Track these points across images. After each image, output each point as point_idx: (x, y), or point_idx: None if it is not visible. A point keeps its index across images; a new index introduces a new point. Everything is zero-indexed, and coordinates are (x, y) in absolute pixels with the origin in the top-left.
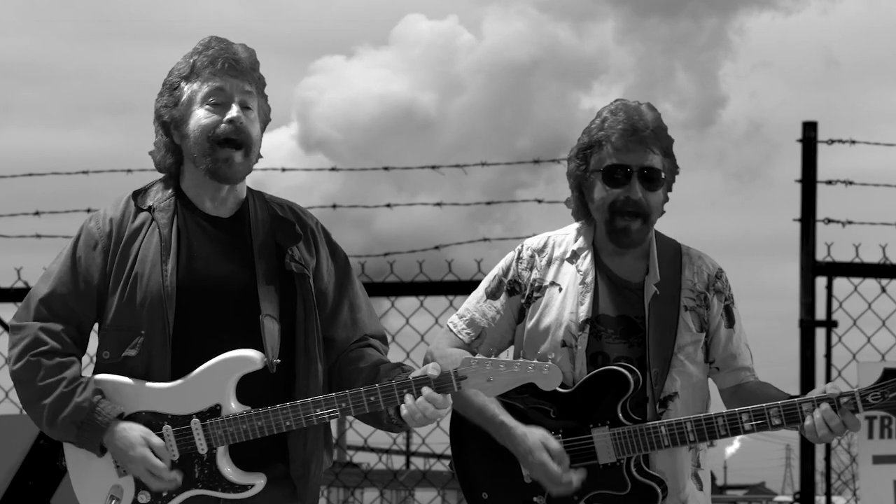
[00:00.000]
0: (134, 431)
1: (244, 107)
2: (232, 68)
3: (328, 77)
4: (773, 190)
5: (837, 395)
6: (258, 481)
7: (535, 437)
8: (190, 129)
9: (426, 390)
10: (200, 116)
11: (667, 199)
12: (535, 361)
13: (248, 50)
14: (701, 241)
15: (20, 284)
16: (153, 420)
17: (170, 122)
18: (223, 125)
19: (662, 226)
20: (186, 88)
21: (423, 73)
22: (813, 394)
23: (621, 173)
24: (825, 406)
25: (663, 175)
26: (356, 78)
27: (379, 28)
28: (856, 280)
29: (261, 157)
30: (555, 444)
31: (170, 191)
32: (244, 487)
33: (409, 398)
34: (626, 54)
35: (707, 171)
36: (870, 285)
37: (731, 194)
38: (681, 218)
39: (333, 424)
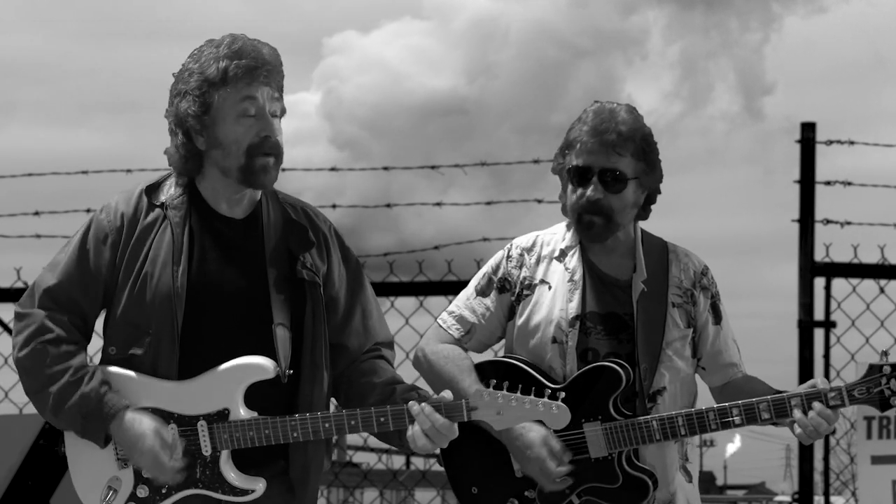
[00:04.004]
0: (144, 424)
1: (274, 115)
2: (266, 76)
3: (346, 59)
4: (776, 189)
5: (826, 391)
6: (258, 486)
7: (537, 434)
8: (223, 141)
9: (429, 410)
10: (239, 132)
11: (644, 202)
12: (545, 399)
13: (272, 51)
14: (717, 238)
15: (20, 284)
16: (159, 417)
17: (197, 129)
18: (260, 141)
19: (673, 222)
20: (217, 97)
21: (460, 58)
22: (801, 389)
23: (584, 174)
24: (812, 415)
25: (628, 177)
26: (378, 59)
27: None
28: (854, 281)
29: None
30: (556, 443)
31: (182, 188)
32: (245, 492)
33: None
34: (668, 43)
35: (742, 167)
36: (868, 286)
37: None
38: (707, 211)
39: None
